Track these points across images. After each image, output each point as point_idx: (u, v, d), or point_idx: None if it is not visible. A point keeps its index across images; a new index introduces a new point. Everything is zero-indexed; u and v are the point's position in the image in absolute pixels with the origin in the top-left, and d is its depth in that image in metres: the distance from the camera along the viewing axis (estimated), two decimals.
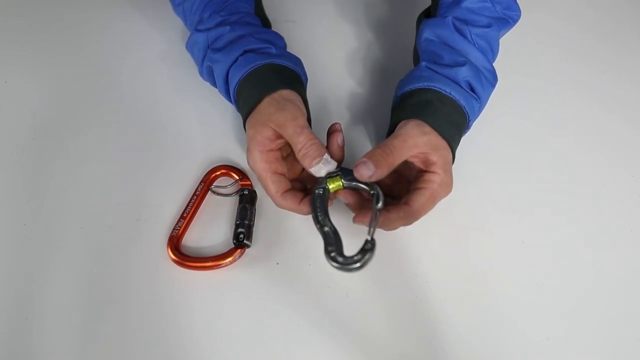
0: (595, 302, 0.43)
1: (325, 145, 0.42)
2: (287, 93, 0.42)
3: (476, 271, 0.44)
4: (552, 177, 0.50)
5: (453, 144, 0.42)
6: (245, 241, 0.43)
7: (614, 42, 0.63)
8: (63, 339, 0.40)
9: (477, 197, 0.48)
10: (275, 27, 0.52)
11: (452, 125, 0.42)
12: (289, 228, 0.46)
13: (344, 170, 0.40)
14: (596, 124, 0.55)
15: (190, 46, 0.49)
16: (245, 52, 0.44)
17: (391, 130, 0.44)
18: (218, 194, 0.48)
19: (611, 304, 0.43)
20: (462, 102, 0.42)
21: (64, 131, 0.52)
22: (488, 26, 0.46)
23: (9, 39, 0.60)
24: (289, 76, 0.44)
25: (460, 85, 0.43)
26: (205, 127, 0.53)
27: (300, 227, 0.46)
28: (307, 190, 0.44)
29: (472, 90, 0.44)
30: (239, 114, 0.46)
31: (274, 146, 0.42)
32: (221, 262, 0.43)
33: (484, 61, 0.45)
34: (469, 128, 0.46)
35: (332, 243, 0.36)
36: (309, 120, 0.45)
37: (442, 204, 0.41)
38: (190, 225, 0.46)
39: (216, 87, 0.48)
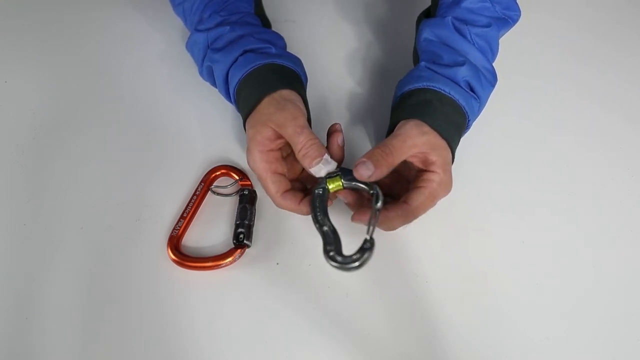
0: (595, 302, 0.43)
1: (325, 145, 0.42)
2: (287, 93, 0.42)
3: (476, 271, 0.44)
4: (552, 177, 0.50)
5: (452, 144, 0.42)
6: (245, 241, 0.43)
7: (614, 42, 0.63)
8: (63, 339, 0.40)
9: (476, 197, 0.48)
10: (275, 27, 0.52)
11: (452, 125, 0.42)
12: (289, 228, 0.46)
13: (343, 170, 0.40)
14: (596, 124, 0.55)
15: (190, 46, 0.49)
16: (245, 52, 0.44)
17: (391, 130, 0.44)
18: (218, 194, 0.48)
19: (611, 304, 0.43)
20: (462, 102, 0.42)
21: (64, 131, 0.52)
22: (488, 26, 0.46)
23: (9, 39, 0.60)
24: (289, 76, 0.44)
25: (459, 85, 0.43)
26: (205, 127, 0.53)
27: (300, 227, 0.46)
28: (307, 190, 0.44)
29: (472, 90, 0.44)
30: (239, 114, 0.46)
31: (274, 146, 0.42)
32: (221, 262, 0.43)
33: (483, 61, 0.45)
34: (469, 128, 0.46)
35: (331, 242, 0.36)
36: (309, 120, 0.45)
37: (441, 204, 0.41)
38: (190, 225, 0.46)
39: (216, 87, 0.48)
